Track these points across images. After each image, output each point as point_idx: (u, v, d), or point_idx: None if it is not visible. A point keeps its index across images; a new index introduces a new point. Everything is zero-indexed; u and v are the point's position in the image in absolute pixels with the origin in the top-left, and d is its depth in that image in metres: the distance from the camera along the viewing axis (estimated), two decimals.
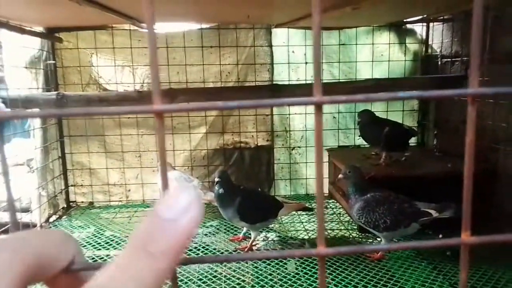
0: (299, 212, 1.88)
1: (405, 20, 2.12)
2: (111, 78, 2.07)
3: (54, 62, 2.00)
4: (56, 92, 1.73)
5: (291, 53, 2.15)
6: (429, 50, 2.18)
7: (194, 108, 0.26)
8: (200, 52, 2.08)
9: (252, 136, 2.20)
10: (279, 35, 2.14)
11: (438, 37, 2.11)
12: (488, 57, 1.69)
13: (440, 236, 1.65)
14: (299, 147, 2.25)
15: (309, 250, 0.26)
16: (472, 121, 0.26)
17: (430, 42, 2.17)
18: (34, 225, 1.82)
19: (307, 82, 2.11)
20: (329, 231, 1.79)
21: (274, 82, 2.14)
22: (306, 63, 2.15)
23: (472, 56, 0.26)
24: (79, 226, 1.86)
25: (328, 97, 0.25)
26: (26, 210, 1.91)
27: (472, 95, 0.26)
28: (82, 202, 2.16)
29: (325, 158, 2.21)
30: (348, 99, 0.27)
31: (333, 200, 2.13)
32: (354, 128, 2.20)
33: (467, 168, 0.26)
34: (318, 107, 0.25)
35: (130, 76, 2.08)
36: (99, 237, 1.73)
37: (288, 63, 2.16)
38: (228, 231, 1.78)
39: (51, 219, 1.94)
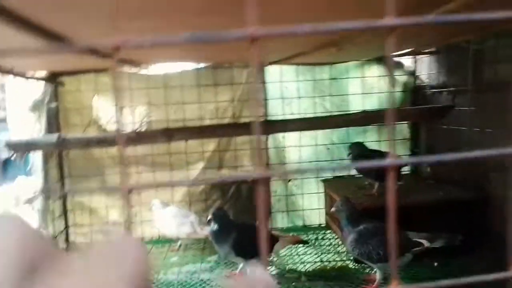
0: (295, 245, 1.90)
1: (393, 54, 2.20)
2: (111, 118, 2.14)
3: (56, 104, 2.08)
4: (57, 135, 1.79)
5: (284, 89, 2.23)
6: (418, 82, 2.25)
7: (160, 185, 0.31)
8: (196, 91, 2.16)
9: (249, 170, 2.25)
10: (272, 72, 2.22)
11: (426, 69, 2.18)
12: (472, 87, 1.76)
13: (435, 264, 1.66)
14: (295, 179, 2.29)
15: None
16: (391, 189, 0.31)
17: (418, 74, 2.25)
18: None
19: (300, 116, 2.18)
20: (325, 262, 1.80)
21: (268, 117, 2.20)
22: (299, 97, 2.23)
23: (389, 130, 0.31)
24: None
25: (269, 172, 0.30)
26: None
27: (390, 166, 0.30)
28: (82, 242, 2.19)
29: (321, 189, 2.25)
30: (283, 173, 0.32)
31: (330, 231, 2.15)
32: (348, 159, 2.24)
33: (390, 229, 0.31)
34: (259, 181, 0.30)
35: (129, 116, 2.16)
36: None
37: (282, 98, 2.23)
38: (226, 266, 1.79)
39: None
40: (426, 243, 1.42)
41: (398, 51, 2.17)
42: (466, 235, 1.47)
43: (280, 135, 2.24)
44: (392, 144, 0.30)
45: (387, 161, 0.30)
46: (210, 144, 2.20)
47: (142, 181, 2.18)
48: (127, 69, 2.08)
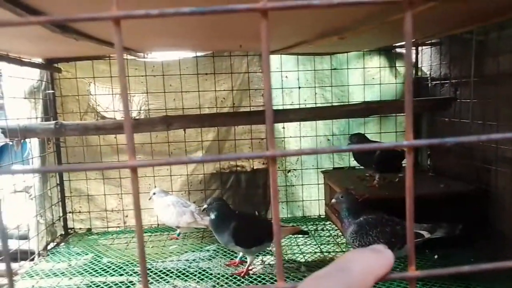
0: (295, 235, 1.90)
1: (394, 45, 2.18)
2: (109, 106, 2.12)
3: (53, 91, 2.06)
4: (54, 121, 1.77)
5: (284, 78, 2.21)
6: (419, 73, 2.23)
7: (164, 163, 0.29)
8: (195, 79, 2.14)
9: (248, 159, 2.23)
10: (273, 61, 2.20)
11: (427, 60, 2.16)
12: (475, 79, 1.74)
13: (436, 257, 1.66)
14: (295, 169, 2.28)
15: (268, 286, 0.29)
16: (410, 167, 0.30)
17: (420, 65, 2.23)
18: (32, 253, 1.84)
19: (300, 106, 2.16)
20: (325, 253, 1.80)
21: None
22: (299, 87, 2.20)
23: (407, 113, 0.29)
24: (76, 253, 1.87)
25: (280, 152, 0.29)
26: (25, 237, 1.93)
27: (408, 146, 0.29)
28: (80, 228, 2.18)
29: (321, 180, 2.24)
30: (299, 152, 0.30)
31: (329, 222, 2.14)
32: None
33: (408, 215, 0.30)
34: (272, 160, 0.29)
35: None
36: (97, 264, 1.74)
37: (282, 88, 2.21)
38: (225, 255, 1.79)
39: (49, 247, 1.95)
40: (426, 234, 1.41)
41: (398, 42, 2.15)
42: (466, 227, 1.46)
43: (280, 125, 2.22)
44: (409, 126, 0.29)
45: (405, 142, 0.29)
46: (209, 133, 2.18)
47: (140, 170, 2.16)
48: (125, 56, 2.05)
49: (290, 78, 2.21)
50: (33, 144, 1.97)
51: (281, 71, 2.19)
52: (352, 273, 0.26)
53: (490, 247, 1.63)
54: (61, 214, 2.11)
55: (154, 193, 1.94)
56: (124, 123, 0.27)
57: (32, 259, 1.81)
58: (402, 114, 2.21)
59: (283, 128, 2.24)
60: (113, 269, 1.68)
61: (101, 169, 0.27)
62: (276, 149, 0.29)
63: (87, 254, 1.86)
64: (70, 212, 2.16)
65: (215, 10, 0.26)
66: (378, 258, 0.28)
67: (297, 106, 2.16)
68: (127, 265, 1.71)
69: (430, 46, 2.11)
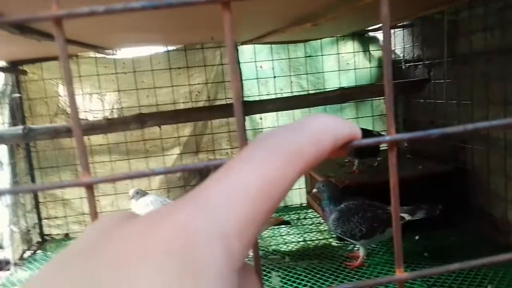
0: (278, 226, 1.89)
1: (367, 29, 2.18)
2: (79, 107, 2.05)
3: (19, 95, 1.97)
4: (22, 126, 1.70)
5: (259, 68, 2.18)
6: (393, 56, 2.24)
7: (121, 177, 0.26)
8: (168, 74, 2.08)
9: (227, 153, 2.20)
10: (246, 51, 2.16)
11: (400, 42, 2.17)
12: (448, 60, 1.75)
13: (417, 237, 1.68)
14: None
15: None
16: (393, 165, 0.28)
17: (393, 48, 2.23)
18: (8, 262, 1.77)
19: (277, 95, 2.14)
20: (308, 241, 1.80)
21: (245, 98, 2.15)
22: (274, 77, 2.18)
23: (388, 107, 0.27)
24: None
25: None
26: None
27: (390, 142, 0.27)
28: (58, 234, 2.11)
29: None
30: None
31: (311, 210, 2.14)
32: None
33: (394, 213, 0.28)
34: None
35: (99, 103, 2.07)
36: None
37: (257, 78, 2.18)
38: None
39: (25, 255, 1.89)
40: (407, 217, 1.42)
41: (371, 26, 2.14)
42: (446, 207, 1.48)
43: (257, 116, 2.20)
44: (390, 119, 0.27)
45: (387, 137, 0.27)
46: (186, 129, 2.14)
47: (116, 170, 2.11)
48: (93, 54, 1.98)
49: (265, 68, 2.19)
50: (1, 150, 1.89)
51: (255, 61, 2.16)
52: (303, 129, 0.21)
53: (471, 225, 1.66)
54: (36, 221, 2.04)
55: (137, 192, 1.84)
56: (74, 136, 0.24)
57: (8, 269, 1.75)
58: (378, 98, 2.22)
59: (261, 119, 2.22)
60: None
61: (54, 188, 0.24)
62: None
63: None
64: (45, 218, 2.09)
65: (171, 4, 0.24)
66: (338, 121, 0.24)
67: (273, 96, 2.14)
68: None
69: (402, 29, 2.12)
